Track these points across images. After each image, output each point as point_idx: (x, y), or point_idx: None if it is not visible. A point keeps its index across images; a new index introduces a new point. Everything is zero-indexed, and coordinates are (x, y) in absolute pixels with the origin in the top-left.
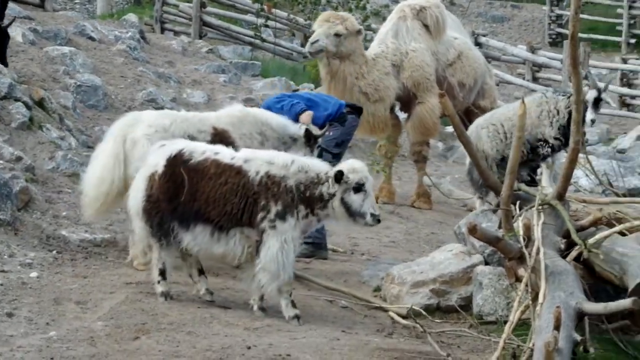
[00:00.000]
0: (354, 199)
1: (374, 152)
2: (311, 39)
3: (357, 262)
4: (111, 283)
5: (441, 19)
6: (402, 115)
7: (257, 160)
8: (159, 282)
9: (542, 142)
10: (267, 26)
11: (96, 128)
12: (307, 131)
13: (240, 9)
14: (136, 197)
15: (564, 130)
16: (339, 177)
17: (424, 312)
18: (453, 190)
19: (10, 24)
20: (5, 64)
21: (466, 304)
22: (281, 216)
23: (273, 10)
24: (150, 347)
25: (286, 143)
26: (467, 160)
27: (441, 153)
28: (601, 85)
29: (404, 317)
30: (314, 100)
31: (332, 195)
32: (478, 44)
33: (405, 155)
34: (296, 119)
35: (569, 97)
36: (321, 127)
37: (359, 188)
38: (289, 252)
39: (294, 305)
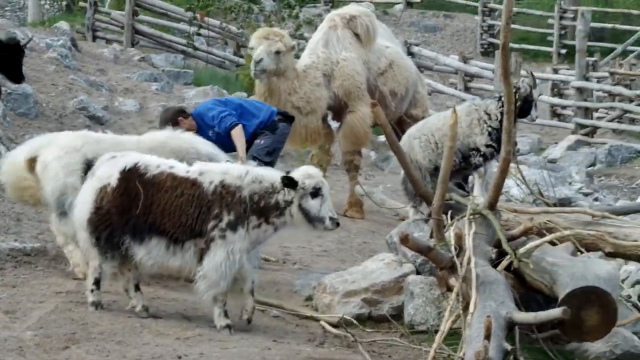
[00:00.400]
0: (312, 204)
1: (307, 162)
2: (255, 58)
3: (289, 272)
4: (41, 292)
5: (372, 27)
6: (334, 125)
7: (211, 172)
8: (92, 290)
9: (474, 151)
10: (199, 34)
11: (27, 136)
12: None
13: (173, 17)
14: (83, 209)
15: (497, 135)
16: (287, 182)
17: (355, 322)
18: (385, 199)
19: (27, 42)
20: (20, 80)
21: (397, 313)
22: (232, 226)
23: (206, 18)
24: (79, 356)
25: None
26: (402, 169)
27: (374, 162)
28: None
29: (335, 327)
30: (245, 107)
31: (290, 203)
32: (410, 53)
33: (337, 165)
34: (227, 134)
35: (499, 100)
36: (252, 135)
37: (316, 193)
38: (233, 263)
39: (226, 315)
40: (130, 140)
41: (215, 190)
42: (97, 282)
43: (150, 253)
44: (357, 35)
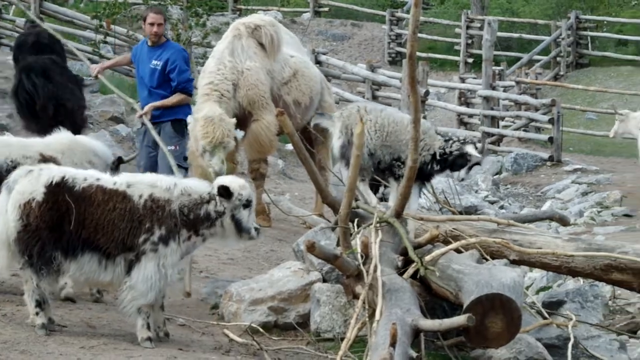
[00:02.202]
0: (244, 214)
1: None
2: (217, 170)
3: (195, 280)
4: None
5: (276, 37)
6: (239, 134)
7: (139, 185)
8: (37, 314)
9: (398, 163)
10: (106, 42)
11: None
12: (119, 158)
13: (79, 25)
14: (3, 227)
15: (431, 170)
16: (222, 193)
17: (261, 330)
18: (292, 207)
19: None
20: None
21: (304, 321)
22: (164, 240)
23: (112, 26)
24: None
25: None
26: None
27: (281, 170)
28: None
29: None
30: None
31: (222, 214)
32: (318, 62)
33: (244, 173)
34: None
35: (447, 140)
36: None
37: (247, 204)
38: (164, 277)
39: (149, 327)
40: (36, 142)
41: (146, 204)
42: (39, 304)
43: (82, 268)
44: (261, 44)
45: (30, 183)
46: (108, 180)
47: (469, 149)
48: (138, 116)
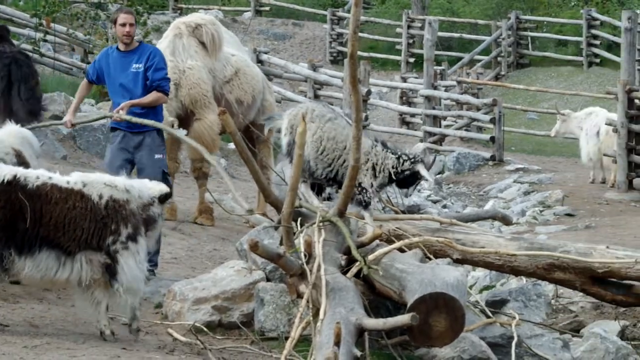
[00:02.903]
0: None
1: None
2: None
3: None
4: None
5: (217, 36)
6: (182, 132)
7: (95, 184)
8: None
9: (330, 182)
10: (46, 41)
11: None
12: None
13: (18, 23)
14: None
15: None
16: (163, 198)
17: (205, 329)
18: (235, 206)
19: None
20: None
21: (248, 320)
22: (132, 238)
23: (52, 24)
24: None
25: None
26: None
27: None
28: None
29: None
30: None
31: (160, 216)
32: (260, 61)
33: (186, 172)
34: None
35: (398, 158)
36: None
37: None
38: (143, 269)
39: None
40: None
41: (108, 204)
42: None
43: (38, 266)
44: (202, 43)
45: None
46: (60, 178)
47: (420, 169)
48: (116, 117)
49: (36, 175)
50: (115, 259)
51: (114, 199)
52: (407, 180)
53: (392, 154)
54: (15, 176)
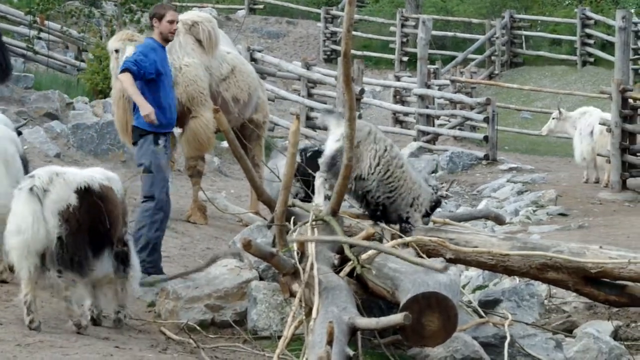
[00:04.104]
0: None
1: None
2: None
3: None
4: None
5: (214, 33)
6: (176, 130)
7: (112, 179)
8: None
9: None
10: (40, 38)
11: None
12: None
13: (12, 21)
14: None
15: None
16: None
17: (198, 328)
18: (228, 205)
19: None
20: None
21: (241, 319)
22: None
23: (46, 22)
24: None
25: None
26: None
27: (217, 168)
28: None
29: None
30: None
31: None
32: (253, 59)
33: (181, 170)
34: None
35: (435, 192)
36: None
37: None
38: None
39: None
40: None
41: (122, 197)
42: None
43: (102, 265)
44: (199, 41)
45: None
46: (101, 177)
47: (442, 197)
48: (152, 118)
49: (91, 176)
50: (128, 247)
51: (121, 191)
52: (433, 209)
53: (433, 188)
54: (86, 180)
